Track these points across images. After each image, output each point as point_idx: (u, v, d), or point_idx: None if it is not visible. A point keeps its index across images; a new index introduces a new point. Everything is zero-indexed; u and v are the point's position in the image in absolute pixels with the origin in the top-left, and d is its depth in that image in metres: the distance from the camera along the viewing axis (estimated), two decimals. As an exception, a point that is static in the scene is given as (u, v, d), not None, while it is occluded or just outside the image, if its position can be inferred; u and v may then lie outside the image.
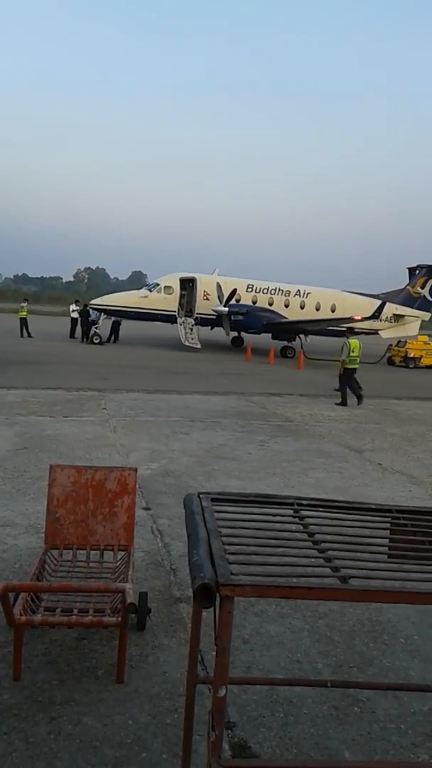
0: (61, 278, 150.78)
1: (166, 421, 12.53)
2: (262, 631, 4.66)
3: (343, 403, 16.62)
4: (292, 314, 34.17)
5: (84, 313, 33.08)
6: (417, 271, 38.64)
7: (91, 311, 32.69)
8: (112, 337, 33.35)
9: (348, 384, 16.86)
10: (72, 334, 34.11)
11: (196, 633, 2.64)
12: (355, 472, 9.62)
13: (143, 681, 3.91)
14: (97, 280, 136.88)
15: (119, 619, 3.82)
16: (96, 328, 31.53)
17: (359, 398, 16.85)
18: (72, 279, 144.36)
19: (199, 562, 2.10)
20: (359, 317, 31.06)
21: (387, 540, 2.74)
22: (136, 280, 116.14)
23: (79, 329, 33.39)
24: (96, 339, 31.14)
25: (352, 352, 16.85)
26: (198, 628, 2.63)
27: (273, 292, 34.65)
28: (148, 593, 4.71)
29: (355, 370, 17.06)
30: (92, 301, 32.67)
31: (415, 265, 39.18)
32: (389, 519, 2.92)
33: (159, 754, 3.30)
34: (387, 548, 2.66)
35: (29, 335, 32.25)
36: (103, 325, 32.15)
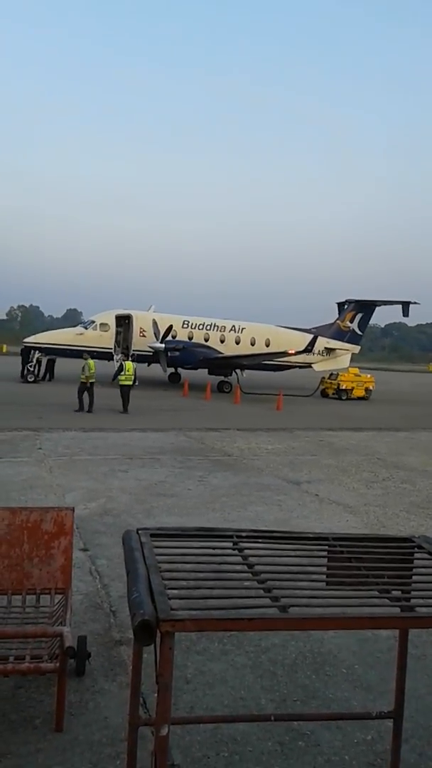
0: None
1: (104, 459, 12.36)
2: (205, 669, 4.60)
3: (81, 409, 20.69)
4: (228, 349, 34.57)
5: (25, 351, 32.14)
6: (346, 306, 39.91)
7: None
8: (47, 375, 32.80)
9: (82, 393, 20.94)
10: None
11: (138, 673, 2.60)
12: (294, 504, 9.72)
13: (83, 728, 3.79)
14: (31, 318, 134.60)
15: (57, 664, 3.70)
16: (30, 366, 30.91)
17: (81, 406, 20.82)
18: (5, 317, 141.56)
19: (138, 599, 2.08)
20: (293, 351, 31.71)
21: (325, 568, 2.79)
22: (71, 318, 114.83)
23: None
24: (30, 377, 30.54)
25: (90, 369, 21.22)
26: (139, 667, 2.59)
27: (209, 327, 35.02)
28: (87, 637, 4.58)
29: (92, 384, 21.11)
30: (26, 339, 32.09)
31: (343, 300, 40.48)
32: (326, 547, 2.97)
33: (101, 804, 3.18)
34: (325, 576, 2.70)
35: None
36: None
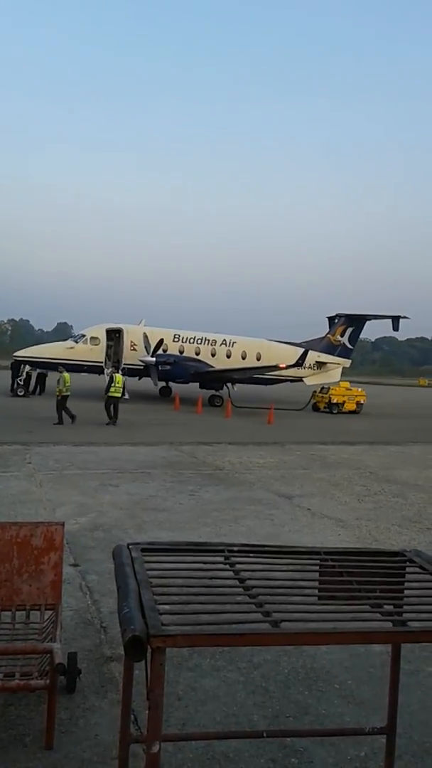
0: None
1: (95, 474, 12.30)
2: (197, 686, 4.56)
3: (60, 422, 20.60)
4: (219, 363, 34.59)
5: (15, 365, 31.92)
6: (336, 320, 40.11)
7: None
8: (38, 389, 32.67)
9: (63, 408, 20.94)
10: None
11: (129, 689, 2.57)
12: (286, 518, 9.69)
13: (74, 746, 3.74)
14: (21, 332, 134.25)
15: (47, 681, 3.66)
16: (19, 380, 30.77)
17: (72, 418, 21.00)
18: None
19: (129, 615, 2.07)
20: (284, 365, 31.79)
21: (317, 582, 2.78)
22: (62, 332, 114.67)
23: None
24: (20, 391, 30.38)
25: (66, 383, 21.14)
26: (130, 684, 2.56)
27: (200, 341, 35.06)
28: (78, 653, 4.54)
29: (66, 397, 21.11)
30: (16, 353, 31.97)
31: (334, 314, 40.69)
32: (318, 561, 2.96)
33: None
34: (317, 590, 2.69)
35: None
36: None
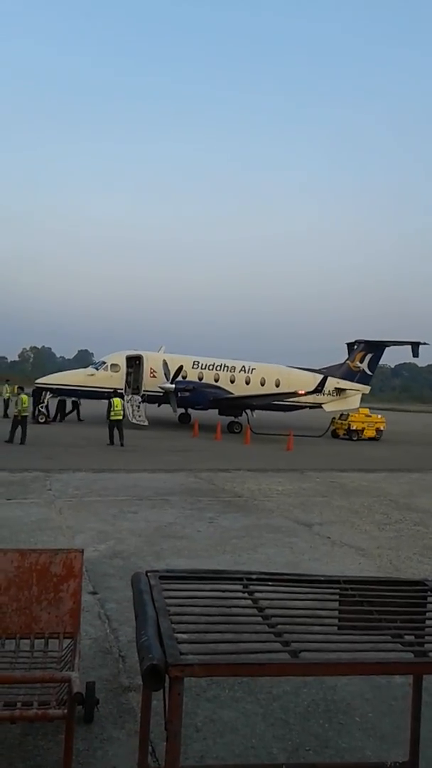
0: (6, 358, 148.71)
1: (114, 501, 12.31)
2: (215, 717, 4.50)
3: (10, 441, 21.34)
4: (238, 390, 34.63)
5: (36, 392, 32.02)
6: (356, 346, 40.05)
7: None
8: (58, 416, 32.92)
9: (15, 427, 21.67)
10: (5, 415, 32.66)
11: (146, 720, 2.55)
12: (305, 546, 9.60)
13: (91, 778, 3.70)
14: (43, 359, 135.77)
15: (65, 710, 3.64)
16: (41, 407, 31.00)
17: (9, 439, 21.45)
18: (17, 359, 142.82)
19: (147, 643, 2.07)
20: (303, 391, 31.71)
21: (336, 612, 2.76)
22: (83, 359, 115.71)
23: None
24: (41, 418, 30.59)
25: (24, 404, 22.07)
26: (148, 714, 2.54)
27: (219, 368, 35.17)
28: (96, 683, 4.51)
29: (24, 418, 22.00)
30: (38, 380, 32.29)
31: (353, 340, 40.66)
32: (338, 590, 2.94)
33: None
34: (337, 620, 2.67)
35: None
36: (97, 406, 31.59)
